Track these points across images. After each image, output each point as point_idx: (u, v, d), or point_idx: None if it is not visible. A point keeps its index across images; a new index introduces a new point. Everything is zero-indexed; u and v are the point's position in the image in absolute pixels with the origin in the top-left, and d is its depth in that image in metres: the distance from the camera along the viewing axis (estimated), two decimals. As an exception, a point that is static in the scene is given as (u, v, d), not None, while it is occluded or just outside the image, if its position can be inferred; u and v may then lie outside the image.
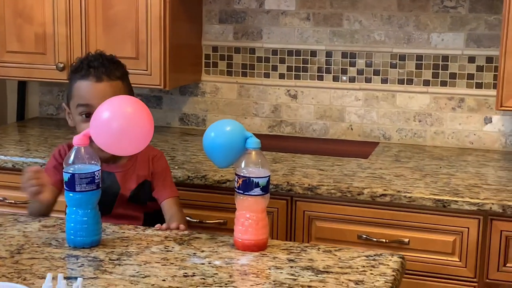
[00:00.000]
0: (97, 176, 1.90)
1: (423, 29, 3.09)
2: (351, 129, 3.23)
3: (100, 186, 1.94)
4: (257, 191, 1.88)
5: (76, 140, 1.89)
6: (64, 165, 1.91)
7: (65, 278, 1.44)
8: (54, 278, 1.44)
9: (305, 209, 2.57)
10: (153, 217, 2.37)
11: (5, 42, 3.19)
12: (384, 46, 3.15)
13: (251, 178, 1.87)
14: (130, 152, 2.07)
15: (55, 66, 3.13)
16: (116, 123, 1.88)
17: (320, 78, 3.23)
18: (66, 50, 3.11)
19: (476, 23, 3.03)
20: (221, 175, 2.59)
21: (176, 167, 2.69)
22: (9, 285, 1.52)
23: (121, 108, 1.92)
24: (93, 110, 1.96)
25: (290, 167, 2.73)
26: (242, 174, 1.88)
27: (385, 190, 2.47)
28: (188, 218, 2.52)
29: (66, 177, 1.89)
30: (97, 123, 1.90)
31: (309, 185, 2.53)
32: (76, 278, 1.46)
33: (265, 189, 1.89)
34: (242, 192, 1.89)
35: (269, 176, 1.91)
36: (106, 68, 2.29)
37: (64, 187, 1.90)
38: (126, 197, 2.34)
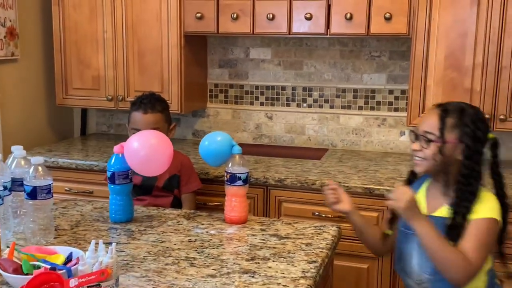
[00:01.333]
0: (129, 173, 1.89)
1: (358, 71, 3.11)
2: (309, 140, 3.24)
3: (132, 180, 1.91)
4: (239, 182, 1.88)
5: (115, 149, 1.89)
6: (107, 166, 1.91)
7: (106, 243, 1.43)
8: (97, 243, 1.44)
9: (276, 195, 2.58)
10: (178, 200, 2.42)
11: (71, 81, 3.18)
12: (331, 83, 3.15)
13: (235, 174, 1.88)
14: (154, 173, 1.94)
15: (105, 98, 3.13)
16: (143, 151, 1.83)
17: (288, 105, 3.24)
18: (113, 87, 3.10)
19: (393, 67, 3.05)
20: (218, 172, 2.59)
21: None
22: (67, 249, 1.52)
23: (148, 140, 1.86)
24: None
25: (267, 166, 2.73)
26: (229, 171, 1.89)
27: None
28: (196, 202, 2.52)
29: (109, 174, 1.88)
30: (129, 152, 1.84)
31: (279, 178, 2.54)
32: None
33: (245, 181, 1.90)
34: (229, 183, 1.89)
35: (248, 172, 1.91)
36: (152, 104, 2.33)
37: (108, 181, 1.90)
38: (161, 185, 2.36)
